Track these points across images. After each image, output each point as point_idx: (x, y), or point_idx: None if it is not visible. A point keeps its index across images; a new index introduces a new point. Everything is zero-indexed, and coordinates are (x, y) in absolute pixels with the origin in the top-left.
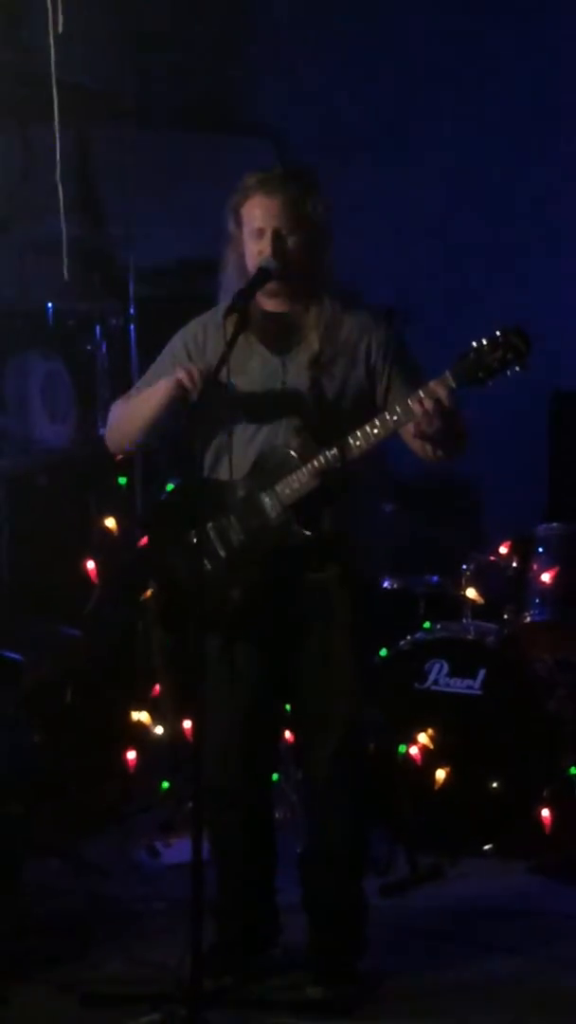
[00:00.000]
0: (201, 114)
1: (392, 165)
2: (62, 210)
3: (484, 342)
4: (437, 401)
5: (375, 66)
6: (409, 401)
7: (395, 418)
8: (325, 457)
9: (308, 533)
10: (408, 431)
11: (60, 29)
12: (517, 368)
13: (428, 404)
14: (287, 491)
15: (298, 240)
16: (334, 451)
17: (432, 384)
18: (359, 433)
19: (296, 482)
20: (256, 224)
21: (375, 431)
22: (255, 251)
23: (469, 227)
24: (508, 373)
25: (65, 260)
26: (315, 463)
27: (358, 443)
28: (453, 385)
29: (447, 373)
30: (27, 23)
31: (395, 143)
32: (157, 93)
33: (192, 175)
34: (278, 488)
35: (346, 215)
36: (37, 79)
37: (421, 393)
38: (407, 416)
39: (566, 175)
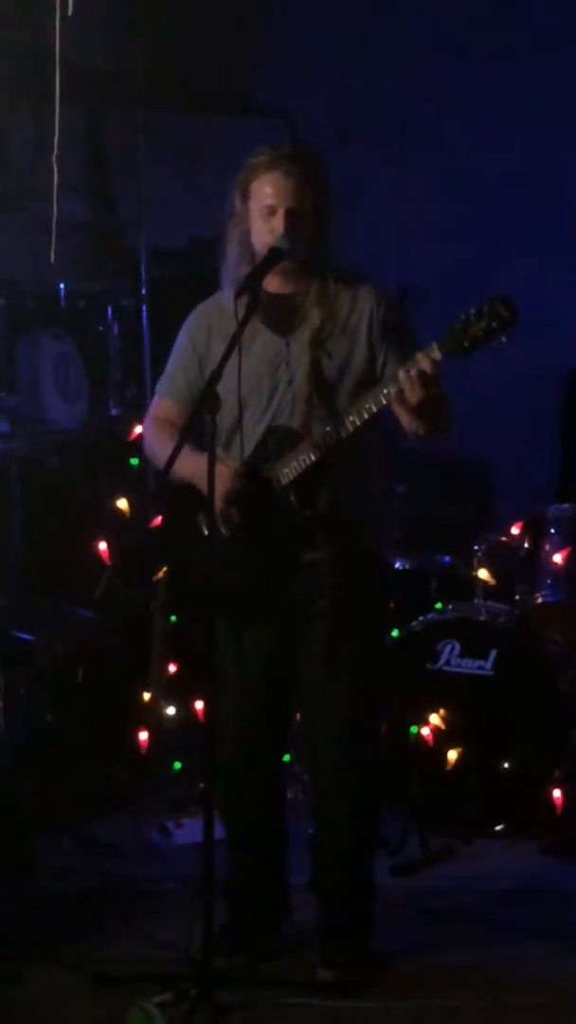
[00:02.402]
0: (214, 95)
1: (405, 146)
2: (55, 190)
3: (471, 311)
4: (421, 372)
5: (389, 47)
6: (398, 371)
7: (386, 391)
8: (322, 434)
9: (307, 512)
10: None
11: (71, 11)
12: (503, 338)
13: (412, 373)
14: (285, 469)
15: (310, 220)
16: (329, 428)
17: (418, 354)
18: (353, 408)
19: (294, 460)
20: (268, 201)
21: (368, 405)
22: (264, 229)
23: (482, 207)
24: (494, 343)
25: (53, 242)
26: (312, 440)
27: (352, 418)
28: (438, 355)
29: (433, 344)
30: (42, 4)
31: (408, 124)
32: (170, 74)
33: (204, 156)
34: (279, 467)
35: (357, 196)
36: (51, 60)
37: (408, 364)
38: (396, 388)
39: None
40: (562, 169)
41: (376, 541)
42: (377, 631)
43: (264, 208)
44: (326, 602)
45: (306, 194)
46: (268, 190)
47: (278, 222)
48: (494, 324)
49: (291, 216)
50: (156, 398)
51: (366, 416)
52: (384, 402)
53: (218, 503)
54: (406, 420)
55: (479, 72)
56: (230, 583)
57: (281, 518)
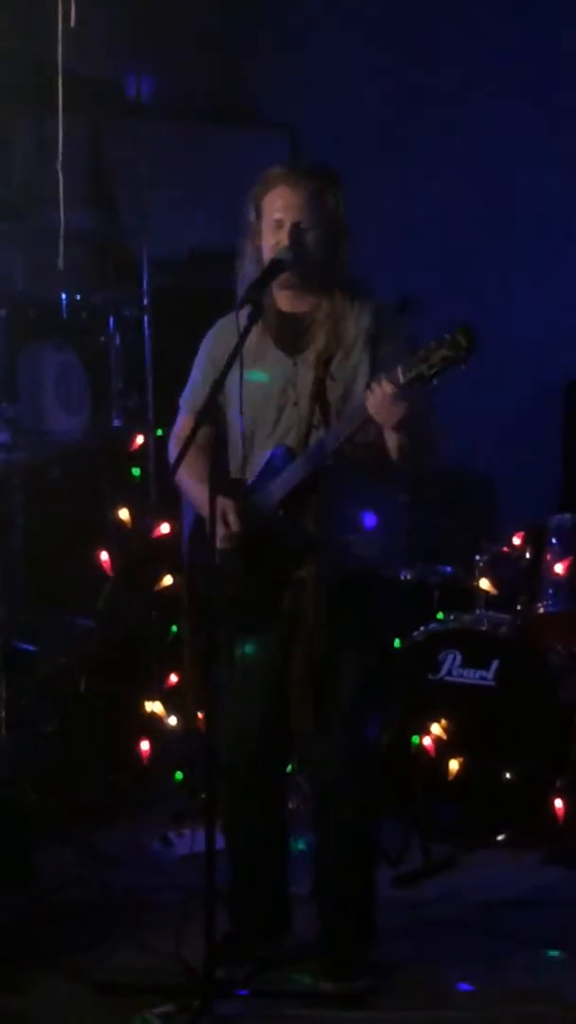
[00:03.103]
0: (216, 107)
1: (407, 159)
2: (61, 199)
3: (431, 341)
4: (385, 394)
5: (390, 59)
6: (366, 391)
7: (360, 410)
8: (308, 453)
9: (294, 529)
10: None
11: (73, 21)
12: (461, 366)
13: (378, 394)
14: (276, 488)
15: (316, 234)
16: (315, 446)
17: (381, 375)
18: (335, 427)
19: (285, 479)
20: (276, 215)
21: (343, 422)
22: (272, 242)
23: (482, 220)
24: (453, 370)
25: (61, 249)
26: (301, 459)
27: (333, 436)
28: (402, 380)
29: (398, 367)
30: (45, 14)
31: (410, 137)
32: (172, 85)
33: (206, 167)
34: (272, 486)
35: (360, 208)
36: (53, 70)
37: (372, 382)
38: (368, 406)
39: None
40: (564, 183)
41: (367, 558)
42: (372, 646)
43: (273, 222)
44: (314, 618)
45: (314, 209)
46: (277, 203)
47: (283, 235)
48: (450, 353)
49: (297, 230)
50: (180, 412)
51: (346, 434)
52: (358, 422)
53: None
54: (387, 442)
55: (481, 85)
56: (229, 597)
57: (272, 535)
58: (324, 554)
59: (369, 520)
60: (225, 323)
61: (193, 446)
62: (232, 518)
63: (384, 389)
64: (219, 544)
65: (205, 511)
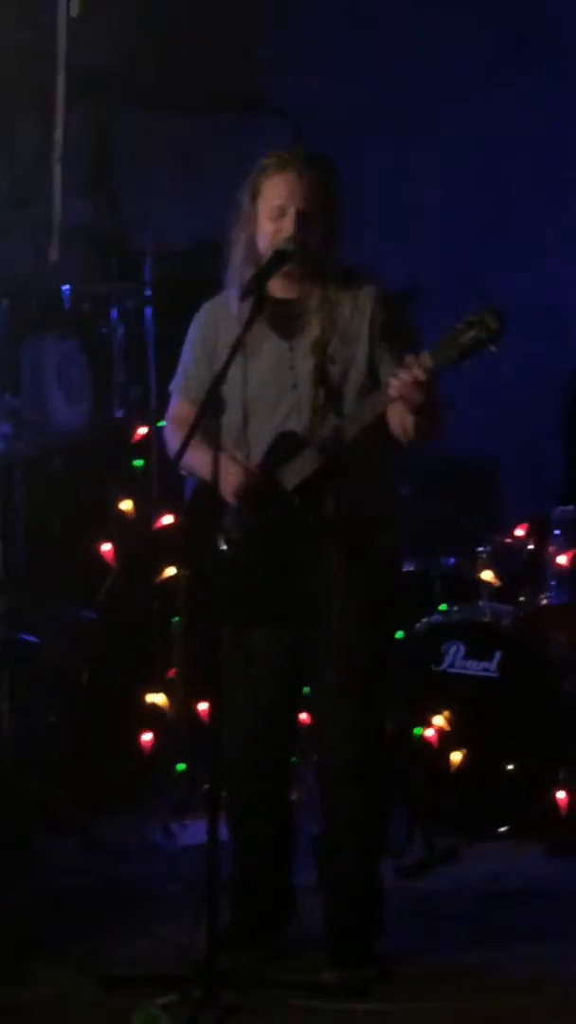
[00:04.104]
0: (219, 96)
1: (409, 148)
2: (58, 191)
3: (460, 321)
4: (414, 379)
5: (393, 49)
6: (391, 378)
7: (383, 396)
8: (324, 438)
9: (311, 516)
10: (393, 410)
11: (74, 12)
12: (492, 348)
13: (407, 378)
14: (291, 474)
15: (319, 223)
16: (330, 433)
17: (409, 359)
18: (353, 414)
19: (299, 465)
20: (278, 201)
21: (366, 410)
22: (271, 230)
23: (485, 209)
24: (482, 353)
25: (56, 240)
26: (316, 445)
27: (352, 424)
28: (429, 363)
29: (424, 352)
30: (47, 5)
31: (413, 126)
32: (174, 76)
33: (209, 157)
34: (285, 471)
35: (362, 197)
36: (57, 61)
37: (397, 369)
38: (392, 394)
39: None
40: (568, 170)
41: (386, 539)
42: (388, 631)
43: (274, 208)
44: (338, 602)
45: (317, 197)
46: (279, 190)
47: (288, 222)
48: (482, 335)
49: (301, 217)
50: (173, 398)
51: (365, 422)
52: (380, 409)
53: (230, 496)
54: (396, 422)
55: (484, 74)
56: (240, 587)
57: (288, 522)
58: (347, 540)
59: (376, 508)
60: (213, 307)
61: (186, 426)
62: (237, 466)
63: (414, 374)
64: (233, 498)
65: (208, 472)
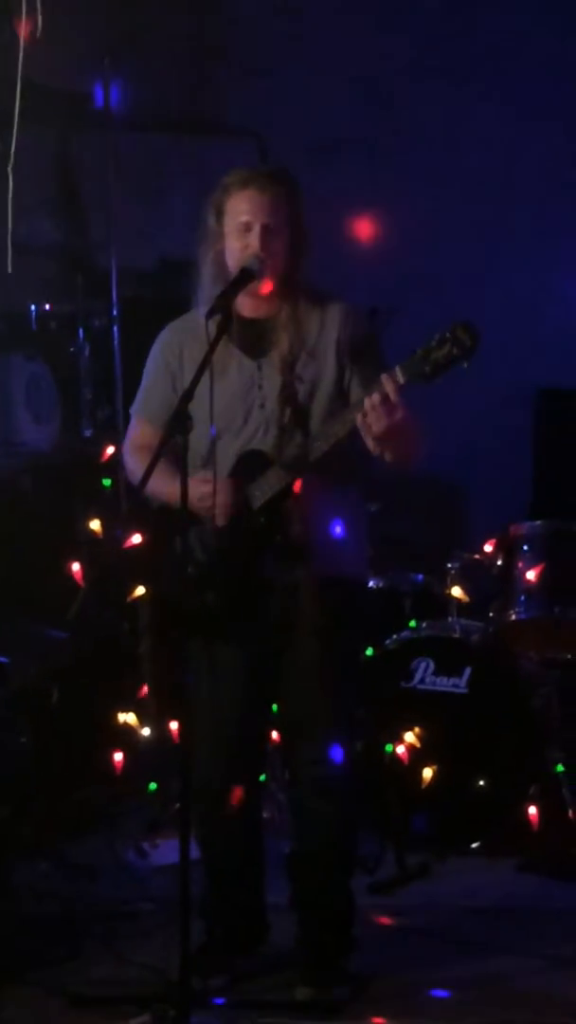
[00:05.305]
0: (182, 116)
1: (374, 164)
2: (10, 207)
3: (433, 337)
4: (384, 397)
5: (355, 65)
6: (363, 398)
7: (351, 416)
8: (291, 458)
9: (278, 536)
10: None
11: (39, 33)
12: (464, 364)
13: (376, 399)
14: (257, 493)
15: (284, 238)
16: (298, 452)
17: (382, 377)
18: (321, 433)
19: (265, 484)
20: (243, 218)
21: (334, 430)
22: (238, 247)
23: (452, 226)
24: (455, 368)
25: (9, 253)
26: (282, 464)
27: (319, 443)
28: (401, 380)
29: (396, 368)
30: (8, 25)
31: (376, 143)
32: (137, 95)
33: (174, 177)
34: (252, 490)
35: (327, 215)
36: (14, 81)
37: (371, 389)
38: (361, 414)
39: (552, 173)
40: (531, 189)
41: (350, 564)
42: (354, 654)
43: (239, 224)
44: (304, 627)
45: (282, 212)
46: (244, 206)
47: (254, 238)
48: (455, 350)
49: (267, 232)
50: (133, 420)
51: (332, 441)
52: (349, 427)
53: (204, 511)
54: (371, 445)
55: (447, 91)
56: (206, 604)
57: (253, 541)
58: (315, 560)
59: (343, 528)
60: (175, 329)
61: (146, 451)
62: (207, 484)
63: (385, 389)
64: (212, 515)
65: (175, 498)
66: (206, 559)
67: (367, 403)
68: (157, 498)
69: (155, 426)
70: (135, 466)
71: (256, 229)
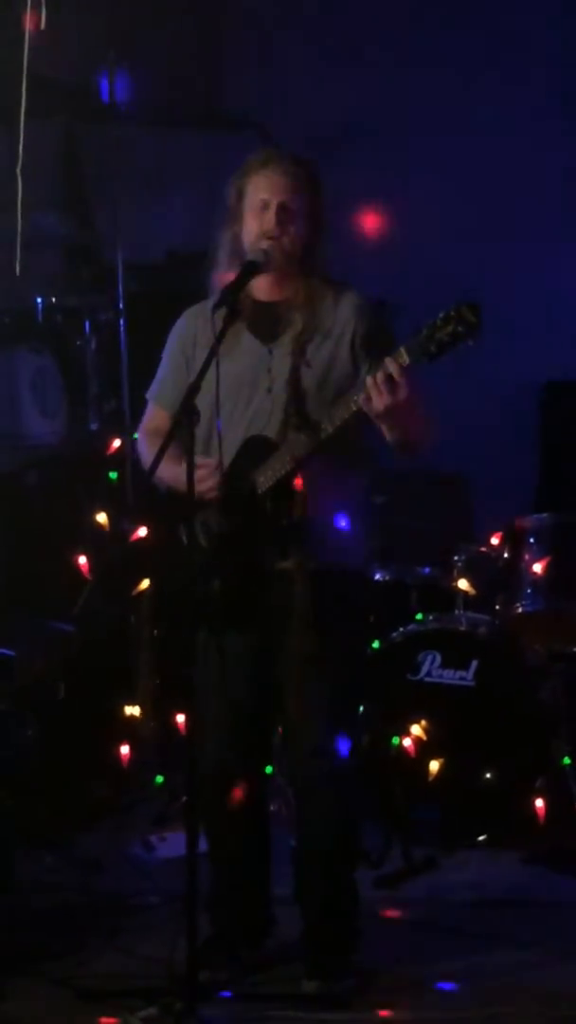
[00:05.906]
0: (187, 109)
1: (380, 157)
2: (19, 206)
3: (438, 316)
4: (387, 377)
5: (360, 58)
6: (367, 377)
7: (356, 397)
8: (296, 442)
9: (282, 521)
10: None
11: (43, 26)
12: (469, 342)
13: (379, 378)
14: (262, 478)
15: (303, 220)
16: (303, 436)
17: (386, 359)
18: (326, 416)
19: (270, 468)
20: (262, 195)
21: (339, 411)
22: (254, 226)
23: (458, 219)
24: (460, 347)
25: (18, 254)
26: (287, 449)
27: (325, 425)
28: (406, 360)
29: (400, 348)
30: (13, 18)
31: (382, 135)
32: (143, 89)
33: (179, 170)
34: (256, 475)
35: (333, 207)
36: (20, 75)
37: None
38: (365, 394)
39: (562, 166)
40: (539, 182)
41: (351, 554)
42: (353, 644)
43: (258, 203)
44: (299, 616)
45: (300, 194)
46: (263, 184)
47: (270, 216)
48: (460, 328)
49: (283, 211)
50: (148, 405)
51: (338, 423)
52: (354, 408)
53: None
54: (385, 431)
55: (455, 81)
56: (210, 591)
57: (257, 526)
58: (312, 547)
59: (344, 519)
60: (195, 313)
61: (158, 436)
62: (205, 472)
63: (389, 369)
64: (208, 494)
65: (179, 481)
66: (209, 545)
67: (369, 381)
68: (164, 483)
69: (168, 412)
70: (147, 450)
71: (272, 207)
